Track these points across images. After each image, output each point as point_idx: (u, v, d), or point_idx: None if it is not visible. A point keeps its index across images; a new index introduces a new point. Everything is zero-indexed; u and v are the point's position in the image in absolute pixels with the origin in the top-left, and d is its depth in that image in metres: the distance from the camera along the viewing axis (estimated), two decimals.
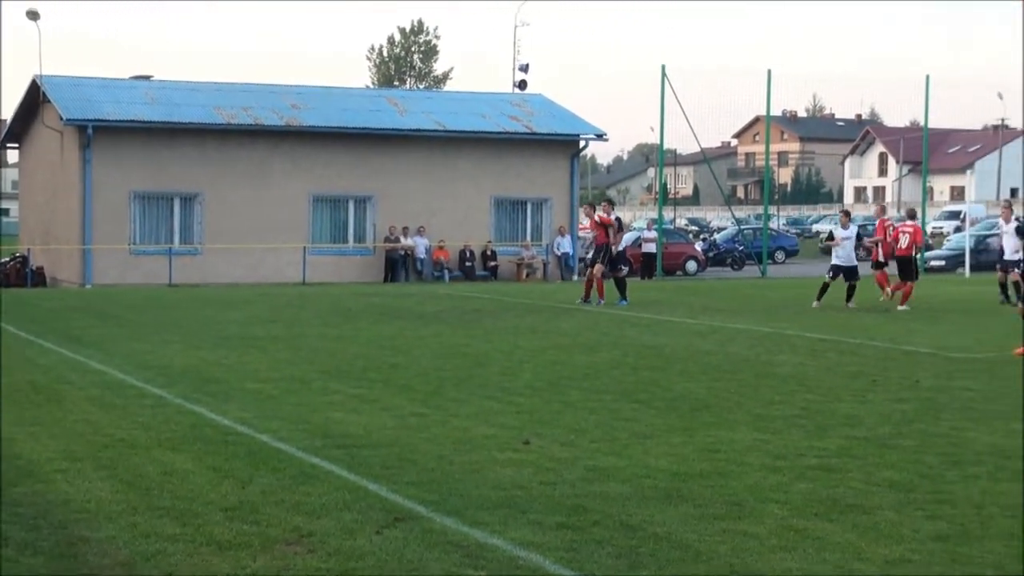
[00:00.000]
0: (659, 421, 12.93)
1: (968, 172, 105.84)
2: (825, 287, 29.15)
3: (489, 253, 44.24)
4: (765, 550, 8.07)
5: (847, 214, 31.43)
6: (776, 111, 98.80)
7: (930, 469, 10.52)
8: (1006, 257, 28.77)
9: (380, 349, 19.91)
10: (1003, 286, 29.18)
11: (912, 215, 30.66)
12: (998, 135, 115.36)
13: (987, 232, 55.26)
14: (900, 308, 27.75)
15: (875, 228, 30.80)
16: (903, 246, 28.91)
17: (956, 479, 10.13)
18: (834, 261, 29.56)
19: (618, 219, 30.66)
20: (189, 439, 11.87)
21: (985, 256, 46.58)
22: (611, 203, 32.51)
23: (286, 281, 40.28)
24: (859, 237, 30.07)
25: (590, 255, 31.50)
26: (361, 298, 32.29)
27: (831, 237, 30.61)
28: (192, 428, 12.48)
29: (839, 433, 12.20)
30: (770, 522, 8.74)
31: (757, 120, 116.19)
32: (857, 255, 29.66)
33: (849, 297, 28.79)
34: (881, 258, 29.80)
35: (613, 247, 29.71)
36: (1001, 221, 29.72)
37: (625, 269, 30.59)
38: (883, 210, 30.84)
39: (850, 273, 29.04)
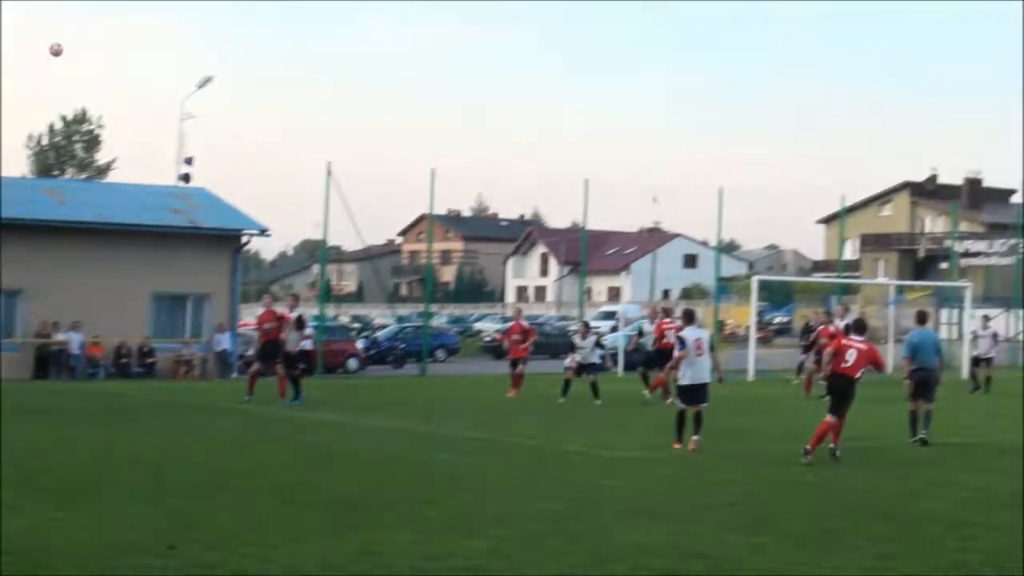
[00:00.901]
0: (313, 523, 12.79)
1: (624, 273, 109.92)
2: (568, 383, 30.34)
3: (146, 349, 43.19)
4: None
5: (586, 325, 33.18)
6: (441, 210, 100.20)
7: (575, 568, 10.73)
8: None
9: (23, 450, 19.08)
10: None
11: (668, 312, 32.66)
12: (652, 238, 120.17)
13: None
14: (668, 402, 28.91)
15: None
16: (668, 341, 30.30)
17: None
18: (577, 359, 31.02)
19: (299, 317, 30.34)
20: None
21: (638, 355, 48.00)
22: (296, 298, 32.30)
23: None
24: (599, 344, 32.17)
25: (251, 351, 31.05)
26: (6, 396, 30.95)
27: (573, 348, 31.64)
28: None
29: (489, 533, 12.32)
30: None
31: (422, 218, 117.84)
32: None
33: (596, 395, 30.03)
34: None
35: (287, 345, 29.14)
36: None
37: (302, 367, 30.21)
38: (662, 313, 32.43)
39: (591, 370, 30.69)
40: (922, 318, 23.06)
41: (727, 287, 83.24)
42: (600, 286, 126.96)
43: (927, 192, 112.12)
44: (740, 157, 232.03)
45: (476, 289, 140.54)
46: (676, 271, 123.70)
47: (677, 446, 19.87)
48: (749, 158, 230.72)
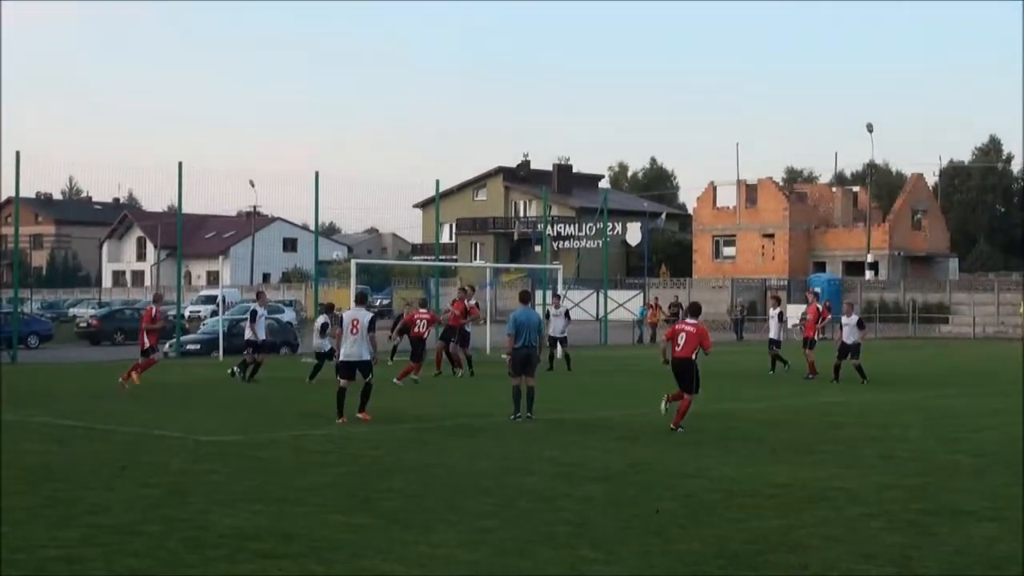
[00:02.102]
0: None
1: (223, 257, 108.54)
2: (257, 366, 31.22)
3: None
4: None
5: (261, 294, 34.17)
6: (29, 193, 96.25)
7: (172, 555, 10.59)
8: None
9: None
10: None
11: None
12: (251, 221, 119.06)
13: (241, 316, 56.69)
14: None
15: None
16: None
17: (196, 563, 10.25)
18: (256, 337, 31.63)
19: None
20: None
21: (239, 339, 47.63)
22: None
23: None
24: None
25: None
26: None
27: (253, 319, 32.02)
28: None
29: (83, 522, 12.00)
30: None
31: (8, 201, 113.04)
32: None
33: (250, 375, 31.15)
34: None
35: None
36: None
37: None
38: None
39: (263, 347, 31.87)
40: (525, 298, 23.05)
41: (326, 270, 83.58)
42: (199, 270, 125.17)
43: (520, 177, 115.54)
44: (337, 145, 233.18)
45: (70, 274, 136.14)
46: (276, 255, 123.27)
47: (341, 421, 20.88)
48: (346, 145, 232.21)
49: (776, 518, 12.47)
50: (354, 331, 21.19)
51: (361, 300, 22.20)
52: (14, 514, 12.40)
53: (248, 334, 31.86)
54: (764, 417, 22.99)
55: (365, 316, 21.39)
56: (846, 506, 13.18)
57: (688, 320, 20.87)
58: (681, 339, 20.39)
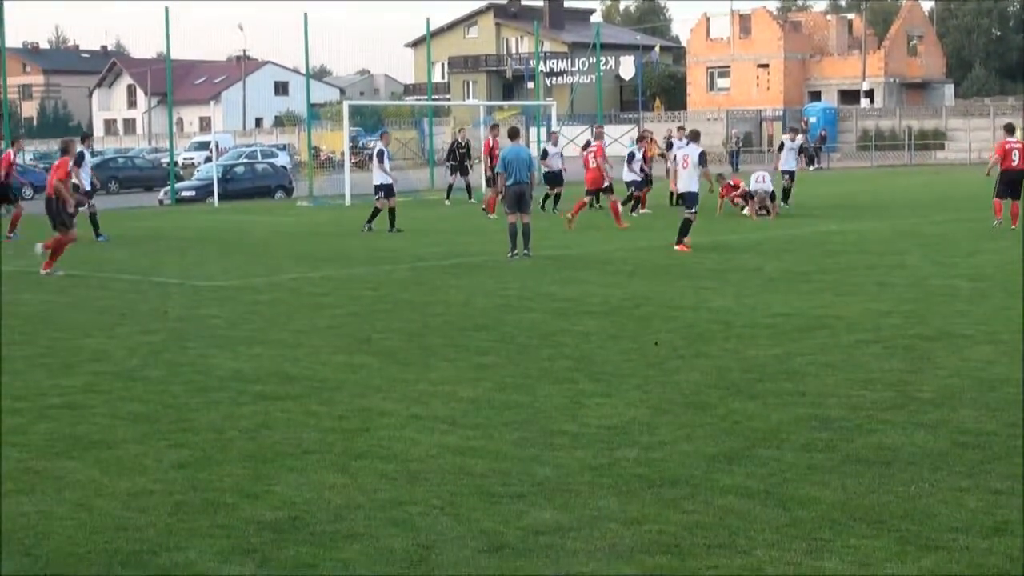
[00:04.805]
0: None
1: (214, 103, 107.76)
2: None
3: None
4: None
5: (385, 134, 31.32)
6: (15, 43, 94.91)
7: (175, 399, 10.63)
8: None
9: None
10: None
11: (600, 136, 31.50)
12: (241, 66, 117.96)
13: (235, 162, 56.50)
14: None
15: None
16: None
17: (199, 406, 10.30)
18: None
19: (80, 154, 27.68)
20: None
21: (233, 185, 47.65)
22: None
23: None
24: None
25: None
26: None
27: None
28: None
29: (85, 369, 12.05)
30: (9, 466, 8.46)
31: None
32: None
33: None
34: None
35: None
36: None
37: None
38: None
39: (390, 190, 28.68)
40: (514, 134, 22.95)
41: (318, 114, 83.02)
42: (191, 116, 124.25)
43: (511, 14, 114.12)
44: None
45: (61, 124, 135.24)
46: (268, 99, 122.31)
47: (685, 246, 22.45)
48: None
49: (774, 347, 12.53)
50: (685, 165, 23.15)
51: (695, 137, 23.73)
52: (14, 363, 12.45)
53: (378, 178, 28.80)
54: (762, 248, 23.02)
55: (695, 152, 23.07)
56: (843, 333, 13.24)
57: (1010, 138, 25.32)
58: (1016, 155, 24.71)
